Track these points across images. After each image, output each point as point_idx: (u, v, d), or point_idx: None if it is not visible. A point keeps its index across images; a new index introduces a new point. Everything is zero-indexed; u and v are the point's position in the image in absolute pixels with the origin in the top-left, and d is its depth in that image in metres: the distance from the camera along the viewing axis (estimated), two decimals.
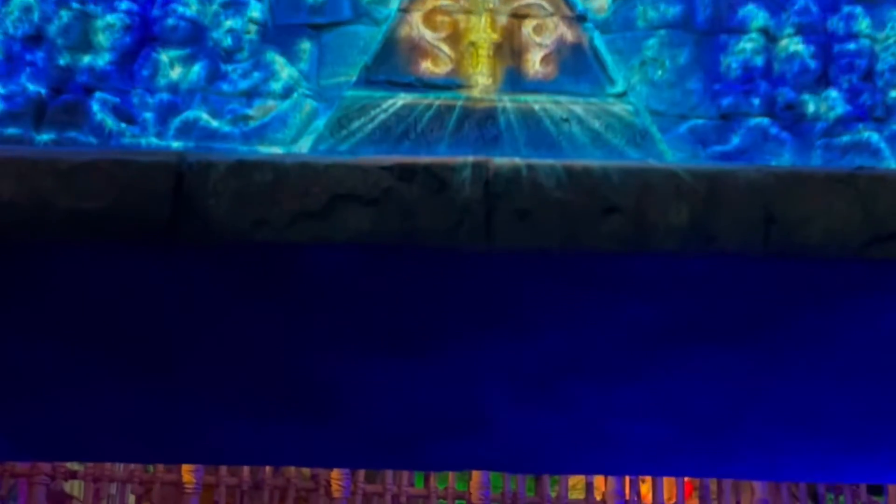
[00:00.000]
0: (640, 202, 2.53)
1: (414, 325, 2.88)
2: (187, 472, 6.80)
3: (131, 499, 7.53)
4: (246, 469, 7.06)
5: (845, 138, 2.73)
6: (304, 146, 2.73)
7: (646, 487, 7.66)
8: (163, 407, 3.78)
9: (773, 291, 2.65)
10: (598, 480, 7.56)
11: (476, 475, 7.05)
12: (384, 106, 2.74)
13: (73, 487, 7.74)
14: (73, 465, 6.99)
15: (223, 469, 7.03)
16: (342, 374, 3.27)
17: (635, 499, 7.42)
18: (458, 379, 3.34)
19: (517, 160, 2.58)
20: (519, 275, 2.62)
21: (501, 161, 2.57)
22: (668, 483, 7.70)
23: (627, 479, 7.43)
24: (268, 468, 7.12)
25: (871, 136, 2.73)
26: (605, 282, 2.64)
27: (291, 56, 2.77)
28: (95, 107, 2.72)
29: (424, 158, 2.58)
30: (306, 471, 7.35)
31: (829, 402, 3.45)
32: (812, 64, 2.77)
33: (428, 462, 4.30)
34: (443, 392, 3.49)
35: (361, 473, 7.15)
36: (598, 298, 2.72)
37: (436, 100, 2.74)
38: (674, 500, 7.65)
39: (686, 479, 7.96)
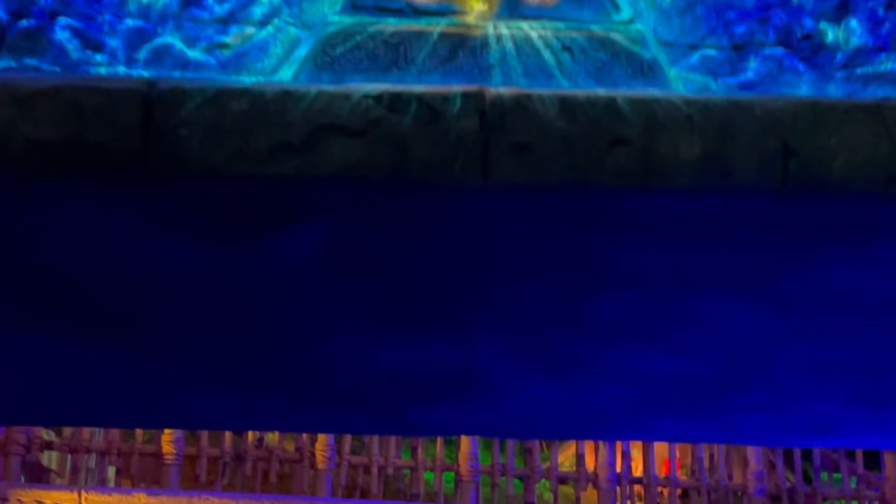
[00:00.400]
0: (649, 134, 2.34)
1: (402, 269, 2.70)
2: (167, 443, 6.61)
3: (111, 471, 7.34)
4: (228, 440, 6.88)
5: (867, 69, 2.55)
6: (285, 76, 2.53)
7: (636, 462, 7.51)
8: (135, 368, 3.60)
9: (792, 233, 2.47)
10: (589, 454, 7.41)
11: (465, 447, 6.88)
12: (372, 33, 2.54)
13: (52, 461, 7.55)
14: (49, 436, 6.80)
15: (204, 440, 6.85)
16: (324, 326, 3.08)
17: (626, 471, 7.27)
18: (450, 333, 3.15)
19: (515, 90, 2.39)
20: (517, 213, 2.44)
21: (498, 90, 2.38)
22: (659, 456, 7.56)
23: (619, 451, 7.28)
24: (250, 439, 6.94)
25: (895, 67, 2.55)
26: (610, 221, 2.45)
27: None
28: (59, 33, 2.52)
29: (415, 87, 2.39)
30: (290, 442, 7.18)
31: (842, 362, 3.28)
32: None
33: (417, 427, 4.12)
34: (433, 349, 3.31)
35: (347, 444, 6.98)
36: (602, 240, 2.53)
37: (427, 26, 2.54)
38: (665, 474, 7.51)
39: (677, 453, 7.82)
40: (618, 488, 7.18)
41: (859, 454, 7.68)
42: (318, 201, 2.43)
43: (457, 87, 2.39)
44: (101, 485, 6.91)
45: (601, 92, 2.39)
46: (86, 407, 4.18)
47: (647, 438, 4.78)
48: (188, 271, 2.80)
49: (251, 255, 2.63)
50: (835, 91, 2.52)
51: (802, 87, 2.54)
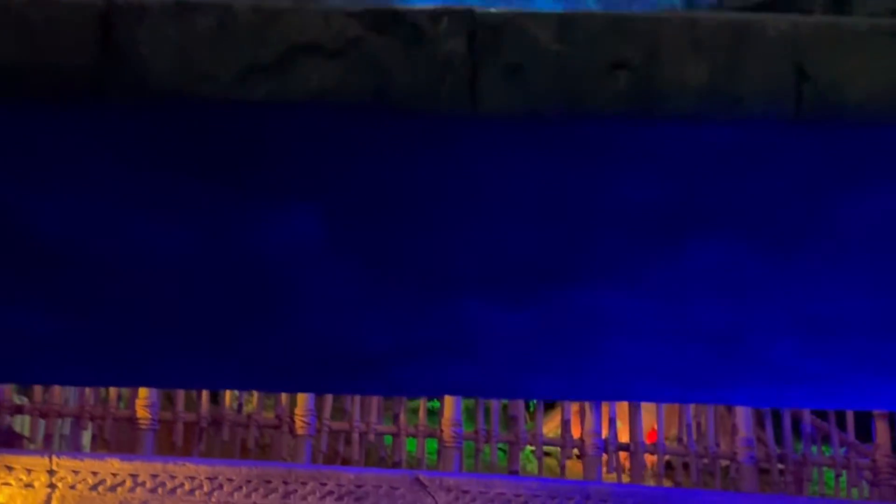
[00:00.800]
0: (652, 57, 2.16)
1: (382, 209, 2.51)
2: (142, 408, 6.43)
3: (86, 437, 7.16)
4: (204, 405, 6.69)
5: None
6: None
7: (621, 431, 7.36)
8: (95, 321, 3.42)
9: (803, 167, 2.29)
10: (575, 422, 7.26)
11: (448, 412, 6.72)
12: None
13: (24, 427, 7.36)
14: (20, 400, 6.60)
15: (180, 404, 6.66)
16: (299, 273, 2.90)
17: (613, 438, 7.12)
18: (434, 282, 2.97)
19: (506, 8, 2.20)
20: (508, 143, 2.25)
21: (488, 9, 2.19)
22: (647, 422, 7.42)
23: (605, 417, 7.14)
24: (227, 403, 6.76)
25: None
26: (608, 153, 2.27)
27: None
28: None
29: (399, 5, 2.20)
30: (269, 412, 7.00)
31: (848, 315, 3.11)
32: None
33: (401, 385, 3.95)
34: (416, 301, 3.13)
35: (327, 410, 6.80)
36: (598, 174, 2.35)
37: None
38: (653, 441, 7.37)
39: (664, 422, 7.67)
40: (604, 455, 7.03)
41: (850, 424, 7.54)
42: (292, 129, 2.24)
43: (443, 6, 2.20)
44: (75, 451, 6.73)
45: (599, 10, 2.21)
46: (52, 364, 3.99)
47: (639, 398, 4.62)
48: (151, 210, 2.62)
49: (218, 180, 2.44)
50: (850, 13, 2.33)
51: (816, 9, 2.35)
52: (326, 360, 3.77)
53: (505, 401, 7.36)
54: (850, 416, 7.50)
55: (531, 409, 9.30)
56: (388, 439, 7.10)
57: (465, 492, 6.12)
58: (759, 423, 7.54)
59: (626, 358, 3.48)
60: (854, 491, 7.32)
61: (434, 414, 7.41)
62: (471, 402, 7.58)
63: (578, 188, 2.40)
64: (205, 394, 6.72)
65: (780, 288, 2.97)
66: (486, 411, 7.04)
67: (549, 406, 9.53)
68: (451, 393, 4.95)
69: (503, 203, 2.50)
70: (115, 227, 2.76)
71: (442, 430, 6.71)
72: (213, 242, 2.81)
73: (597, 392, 4.01)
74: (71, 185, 2.53)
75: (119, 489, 5.96)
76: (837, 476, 7.44)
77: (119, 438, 6.94)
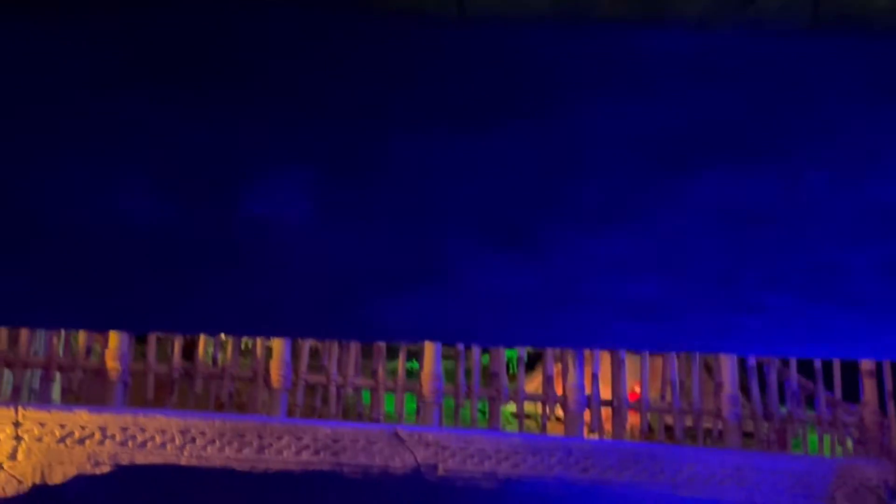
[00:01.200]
0: None
1: (359, 124, 2.32)
2: (112, 359, 6.23)
3: (56, 390, 6.95)
4: (177, 357, 6.50)
5: None
6: None
7: (606, 389, 7.22)
8: (64, 261, 3.23)
9: (817, 83, 2.11)
10: (558, 381, 7.12)
11: (428, 366, 6.55)
12: None
13: None
14: None
15: (151, 356, 6.47)
16: (268, 199, 2.71)
17: (596, 395, 6.97)
18: (413, 213, 2.79)
19: None
20: (496, 54, 2.07)
21: None
22: (628, 384, 7.28)
23: (588, 374, 6.99)
24: (201, 356, 6.57)
25: None
26: (607, 66, 2.09)
27: None
28: None
29: None
30: (244, 367, 6.83)
31: (851, 259, 2.95)
32: None
33: (379, 329, 3.77)
34: (394, 235, 2.95)
35: (304, 363, 6.62)
36: (595, 91, 2.17)
37: None
38: (637, 398, 7.23)
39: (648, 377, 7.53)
40: (586, 413, 6.89)
41: (837, 383, 7.41)
42: (263, 36, 2.04)
43: None
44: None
45: None
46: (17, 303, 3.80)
47: (629, 346, 4.46)
48: (109, 132, 2.42)
49: (186, 94, 2.25)
50: None
51: None
52: (309, 300, 3.59)
53: (485, 359, 7.20)
54: (836, 375, 7.37)
55: (512, 370, 9.16)
56: (367, 397, 6.92)
57: (445, 447, 5.96)
58: (744, 388, 7.40)
59: (618, 301, 3.31)
60: (839, 449, 7.21)
61: (413, 375, 7.25)
62: (450, 363, 7.42)
63: (574, 105, 2.22)
64: (177, 345, 6.53)
65: (783, 226, 2.80)
66: (467, 372, 6.87)
67: (530, 367, 9.38)
68: (436, 338, 4.77)
69: (490, 120, 2.31)
70: (74, 156, 2.57)
71: (421, 385, 6.54)
72: (180, 171, 2.62)
73: (585, 339, 3.84)
74: (23, 107, 2.33)
75: (87, 442, 5.78)
76: (822, 434, 7.31)
77: (90, 391, 6.74)
